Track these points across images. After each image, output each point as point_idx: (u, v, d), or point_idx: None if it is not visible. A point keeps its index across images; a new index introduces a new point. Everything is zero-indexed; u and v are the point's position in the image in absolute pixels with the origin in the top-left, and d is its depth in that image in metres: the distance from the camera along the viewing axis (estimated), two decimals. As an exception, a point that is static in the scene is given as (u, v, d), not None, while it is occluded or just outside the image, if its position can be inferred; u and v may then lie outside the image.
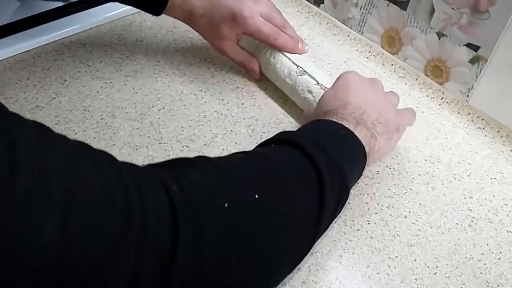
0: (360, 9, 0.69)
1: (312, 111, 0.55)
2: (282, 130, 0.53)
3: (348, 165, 0.45)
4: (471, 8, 0.57)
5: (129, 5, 0.67)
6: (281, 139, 0.45)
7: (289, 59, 0.60)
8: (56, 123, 0.57)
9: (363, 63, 0.69)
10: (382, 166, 0.55)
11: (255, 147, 0.46)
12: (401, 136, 0.54)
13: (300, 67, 0.59)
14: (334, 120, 0.48)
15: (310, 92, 0.57)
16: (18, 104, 0.59)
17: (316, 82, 0.57)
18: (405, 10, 0.64)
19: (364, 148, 0.47)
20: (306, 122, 0.50)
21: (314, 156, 0.41)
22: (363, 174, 0.54)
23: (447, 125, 0.60)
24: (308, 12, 0.76)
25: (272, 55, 0.61)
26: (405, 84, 0.65)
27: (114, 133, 0.57)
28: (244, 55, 0.63)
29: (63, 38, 0.69)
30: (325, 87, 0.55)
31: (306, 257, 0.46)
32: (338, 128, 0.47)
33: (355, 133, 0.47)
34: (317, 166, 0.41)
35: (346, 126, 0.47)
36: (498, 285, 0.45)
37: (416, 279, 0.45)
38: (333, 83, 0.54)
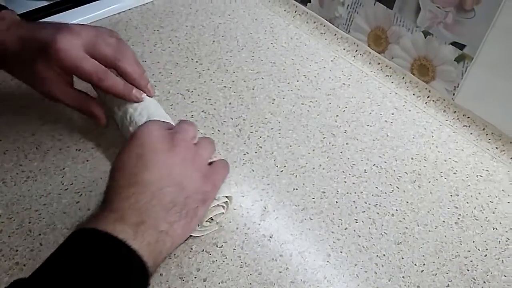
0: (347, 8, 0.69)
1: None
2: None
3: None
4: (456, 7, 0.57)
5: None
6: None
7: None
8: (42, 124, 0.57)
9: (350, 62, 0.69)
10: (369, 165, 0.55)
11: None
12: (207, 208, 0.45)
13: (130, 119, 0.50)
14: (110, 226, 0.38)
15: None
16: (3, 104, 0.59)
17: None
18: (391, 9, 0.64)
19: (142, 263, 0.37)
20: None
21: None
22: (351, 173, 0.54)
23: (433, 123, 0.61)
24: (295, 11, 0.76)
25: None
26: (392, 83, 0.66)
27: (100, 134, 0.56)
28: (79, 97, 0.52)
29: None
30: None
31: (294, 258, 0.46)
32: (107, 248, 0.37)
33: (133, 244, 0.37)
34: None
35: (123, 235, 0.37)
36: (484, 282, 0.46)
37: (403, 277, 0.45)
38: (129, 141, 0.44)
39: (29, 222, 0.47)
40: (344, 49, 0.70)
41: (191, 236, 0.46)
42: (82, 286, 0.34)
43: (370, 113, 0.61)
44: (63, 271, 0.35)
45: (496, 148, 0.58)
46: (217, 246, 0.47)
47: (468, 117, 0.61)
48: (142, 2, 0.75)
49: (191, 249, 0.46)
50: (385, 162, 0.56)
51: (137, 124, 0.50)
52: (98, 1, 0.72)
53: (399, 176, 0.54)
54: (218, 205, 0.47)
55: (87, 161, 0.53)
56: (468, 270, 0.46)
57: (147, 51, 0.67)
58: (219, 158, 0.49)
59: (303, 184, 0.52)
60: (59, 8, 0.71)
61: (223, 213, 0.48)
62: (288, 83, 0.65)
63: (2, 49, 0.49)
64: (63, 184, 0.51)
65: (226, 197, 0.47)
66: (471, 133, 0.60)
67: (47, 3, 0.71)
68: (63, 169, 0.52)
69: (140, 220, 0.39)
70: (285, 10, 0.77)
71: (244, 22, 0.74)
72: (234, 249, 0.46)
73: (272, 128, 0.58)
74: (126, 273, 0.37)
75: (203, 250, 0.46)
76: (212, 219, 0.47)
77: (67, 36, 0.48)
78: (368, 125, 0.60)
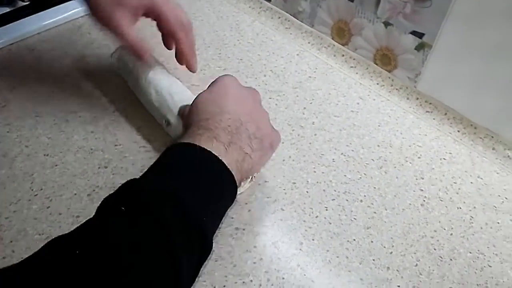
0: (310, 2, 0.71)
1: (187, 111, 0.51)
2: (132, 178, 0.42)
3: (211, 214, 0.42)
4: (413, -4, 0.59)
5: None
6: (133, 202, 0.38)
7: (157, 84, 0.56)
8: (8, 131, 0.56)
9: (315, 55, 0.70)
10: (337, 154, 0.56)
11: (103, 213, 0.39)
12: (272, 154, 0.51)
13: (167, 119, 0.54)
14: (203, 143, 0.43)
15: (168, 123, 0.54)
16: (-34, 114, 0.58)
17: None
18: (353, 2, 0.65)
19: (232, 177, 0.43)
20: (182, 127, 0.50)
21: (171, 230, 0.37)
22: (320, 163, 0.55)
23: (397, 111, 0.62)
24: (260, 7, 0.77)
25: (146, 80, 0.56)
26: (356, 73, 0.67)
27: (68, 138, 0.56)
28: (136, 37, 0.54)
29: (10, 44, 0.67)
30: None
31: (267, 248, 0.47)
32: (204, 159, 0.42)
33: (224, 159, 0.43)
34: (174, 253, 0.36)
35: (216, 152, 0.43)
36: (451, 259, 0.48)
37: (373, 260, 0.47)
38: (209, 86, 0.51)
39: (0, 230, 0.47)
40: (309, 42, 0.72)
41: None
42: (189, 189, 0.40)
43: (337, 104, 0.63)
44: (170, 175, 0.41)
45: (458, 131, 0.60)
46: (191, 241, 0.47)
47: (430, 103, 0.63)
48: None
49: (165, 246, 0.47)
50: (353, 150, 0.57)
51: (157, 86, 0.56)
52: (60, 5, 0.72)
53: (366, 163, 0.56)
54: None
55: (56, 165, 0.53)
56: (435, 249, 0.48)
57: (101, 61, 0.67)
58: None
59: (274, 176, 0.53)
60: (21, 14, 0.70)
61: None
62: (256, 78, 0.65)
63: None
64: (32, 190, 0.51)
65: None
66: (433, 118, 0.62)
67: (8, 10, 0.70)
68: (32, 175, 0.52)
69: (231, 140, 0.45)
70: (250, 7, 0.78)
71: (210, 20, 0.75)
72: (208, 244, 0.47)
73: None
74: (221, 183, 0.43)
75: (177, 246, 0.47)
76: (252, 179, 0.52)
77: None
78: (335, 116, 0.61)
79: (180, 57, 0.59)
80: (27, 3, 0.71)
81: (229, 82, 0.50)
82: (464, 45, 0.57)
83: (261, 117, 0.49)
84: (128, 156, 0.54)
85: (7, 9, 0.71)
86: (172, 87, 0.56)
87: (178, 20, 0.55)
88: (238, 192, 0.48)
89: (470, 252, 0.48)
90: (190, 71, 0.60)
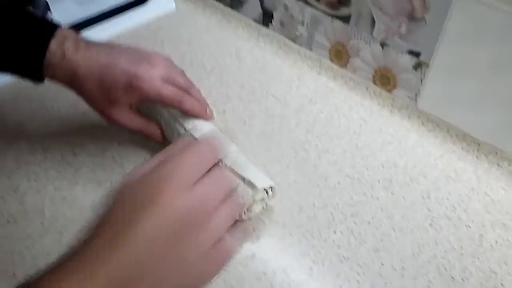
0: (307, 27, 0.72)
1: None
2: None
3: None
4: (408, 16, 0.60)
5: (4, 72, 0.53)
6: None
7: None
8: (17, 168, 0.57)
9: (315, 78, 0.71)
10: (342, 176, 0.57)
11: None
12: None
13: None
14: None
15: None
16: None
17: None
18: (348, 24, 0.67)
19: None
20: None
21: None
22: (325, 186, 0.55)
23: (400, 130, 0.63)
24: (258, 34, 0.78)
25: (176, 121, 0.56)
26: (357, 95, 0.68)
27: (76, 170, 0.56)
28: (141, 121, 0.57)
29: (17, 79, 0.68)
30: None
31: (277, 275, 0.47)
32: None
33: None
34: None
35: None
36: (463, 280, 0.47)
37: (385, 283, 0.47)
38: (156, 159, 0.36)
39: (13, 265, 0.47)
40: (308, 66, 0.73)
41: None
42: None
43: (339, 126, 0.63)
44: None
45: (462, 148, 0.61)
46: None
47: (432, 121, 0.63)
48: (110, 36, 0.76)
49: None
50: (357, 172, 0.57)
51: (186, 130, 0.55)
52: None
53: (372, 185, 0.56)
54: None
55: (66, 199, 0.53)
56: (446, 270, 0.48)
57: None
58: (232, 235, 0.36)
59: (280, 201, 0.54)
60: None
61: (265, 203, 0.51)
62: (258, 104, 0.66)
63: (73, 67, 0.50)
64: (43, 224, 0.51)
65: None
66: (436, 137, 0.62)
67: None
68: (42, 209, 0.53)
69: None
70: (248, 33, 0.79)
71: (210, 48, 0.76)
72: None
73: (245, 149, 0.60)
74: None
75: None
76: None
77: (147, 67, 0.53)
78: (337, 138, 0.62)
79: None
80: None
81: (165, 183, 0.33)
82: (461, 62, 0.57)
83: (175, 265, 0.32)
84: (135, 187, 0.55)
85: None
86: None
87: (165, 100, 0.54)
88: (246, 218, 0.48)
89: (482, 272, 0.48)
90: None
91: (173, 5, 0.83)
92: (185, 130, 0.55)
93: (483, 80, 0.56)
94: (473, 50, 0.56)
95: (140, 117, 0.57)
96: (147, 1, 0.82)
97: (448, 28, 0.57)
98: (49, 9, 0.75)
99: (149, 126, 0.57)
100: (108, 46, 0.54)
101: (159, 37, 0.78)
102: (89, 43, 0.52)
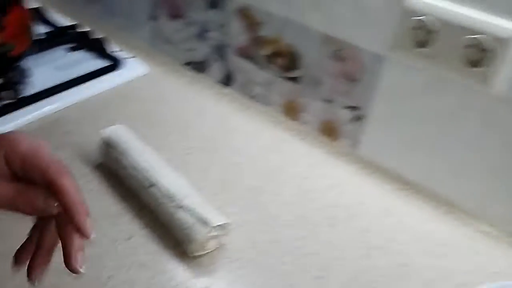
0: (262, 87, 0.81)
1: None
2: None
3: None
4: (348, 78, 0.70)
5: None
6: None
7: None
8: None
9: (270, 130, 0.79)
10: (291, 215, 0.63)
11: None
12: None
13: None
14: None
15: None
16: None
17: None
18: (298, 84, 0.76)
19: None
20: None
21: None
22: (277, 224, 0.62)
23: (343, 175, 0.71)
24: (220, 93, 0.87)
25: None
26: (306, 144, 0.77)
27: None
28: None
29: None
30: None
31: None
32: None
33: None
34: None
35: None
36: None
37: (325, 306, 0.52)
38: None
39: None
40: (264, 120, 0.81)
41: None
42: None
43: (290, 171, 0.71)
44: None
45: (398, 189, 0.69)
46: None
47: (371, 166, 0.71)
48: (81, 98, 0.83)
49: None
50: (305, 211, 0.64)
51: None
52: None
53: (318, 222, 0.63)
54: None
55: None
56: (380, 293, 0.54)
57: (78, 151, 0.74)
58: None
59: (235, 237, 0.60)
60: (4, 110, 0.77)
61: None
62: (218, 154, 0.73)
63: None
64: None
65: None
66: (375, 179, 0.70)
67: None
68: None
69: None
70: (211, 93, 0.88)
71: (176, 107, 0.84)
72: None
73: (203, 193, 0.65)
74: None
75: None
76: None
77: (16, 132, 0.42)
78: (288, 182, 0.69)
79: (67, 219, 0.38)
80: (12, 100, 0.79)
81: None
82: (393, 114, 0.67)
83: None
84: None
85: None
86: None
87: (47, 163, 0.39)
88: (200, 254, 0.54)
89: (410, 293, 0.54)
90: (83, 236, 0.38)
91: (147, 69, 0.92)
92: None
93: (413, 129, 0.66)
94: (402, 103, 0.65)
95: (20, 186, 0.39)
96: (122, 66, 0.90)
97: (380, 86, 0.67)
98: (28, 75, 0.82)
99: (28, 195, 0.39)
100: None
101: (128, 98, 0.85)
102: None
